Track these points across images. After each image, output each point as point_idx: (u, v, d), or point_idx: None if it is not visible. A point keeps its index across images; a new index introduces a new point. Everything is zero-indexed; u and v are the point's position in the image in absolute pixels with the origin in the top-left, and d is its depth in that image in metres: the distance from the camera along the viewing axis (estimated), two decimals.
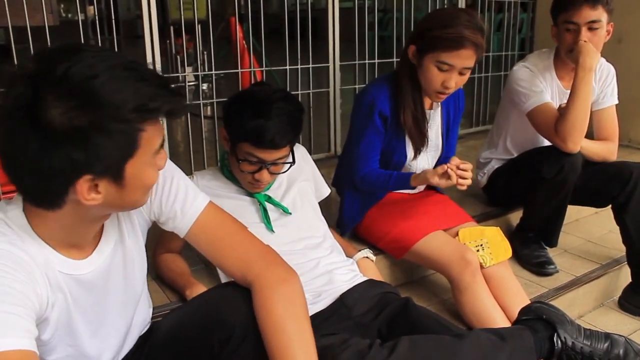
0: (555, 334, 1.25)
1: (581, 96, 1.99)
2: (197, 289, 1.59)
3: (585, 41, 2.01)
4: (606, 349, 1.25)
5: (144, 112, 0.87)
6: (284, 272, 1.14)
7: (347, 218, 2.04)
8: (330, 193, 1.95)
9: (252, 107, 1.52)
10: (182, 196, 1.16)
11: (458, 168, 1.66)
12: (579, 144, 2.01)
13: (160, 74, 0.94)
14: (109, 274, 1.09)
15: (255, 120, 1.50)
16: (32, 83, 0.83)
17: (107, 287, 1.09)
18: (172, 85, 0.94)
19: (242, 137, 1.54)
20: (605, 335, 1.29)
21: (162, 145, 0.96)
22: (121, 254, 1.12)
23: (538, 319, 1.29)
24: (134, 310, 1.19)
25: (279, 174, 1.65)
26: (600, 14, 2.02)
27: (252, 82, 3.12)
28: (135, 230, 1.16)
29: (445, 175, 1.67)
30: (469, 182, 1.68)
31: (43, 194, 0.91)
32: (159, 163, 0.98)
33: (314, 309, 1.46)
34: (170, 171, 1.17)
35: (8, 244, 0.92)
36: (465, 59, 1.70)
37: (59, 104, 0.82)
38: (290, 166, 1.64)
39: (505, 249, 1.87)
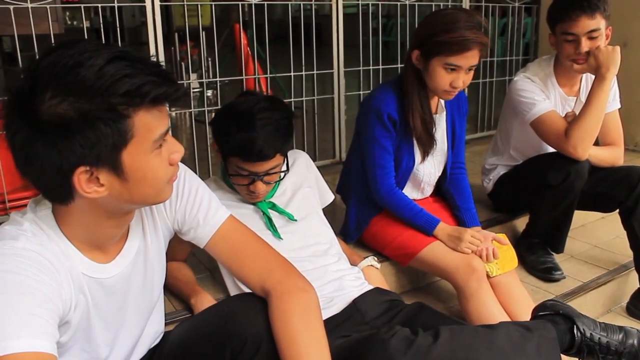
0: (575, 326, 1.30)
1: (598, 104, 1.98)
2: (203, 297, 1.59)
3: (598, 47, 1.99)
4: (621, 339, 1.31)
5: (131, 98, 0.85)
6: (303, 282, 1.16)
7: (353, 225, 2.03)
8: (335, 200, 1.94)
9: (235, 120, 1.50)
10: (205, 207, 1.19)
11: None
12: (588, 151, 2.00)
13: (159, 62, 0.94)
14: (130, 280, 1.10)
15: (240, 133, 1.48)
16: (31, 77, 0.84)
17: (128, 293, 1.10)
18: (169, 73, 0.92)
19: (230, 152, 1.53)
20: (618, 327, 1.35)
21: (164, 135, 0.93)
22: (143, 260, 1.13)
23: (555, 314, 1.34)
24: (147, 319, 1.19)
25: (276, 182, 1.64)
26: (598, 22, 1.99)
27: (257, 88, 3.13)
28: (159, 238, 1.17)
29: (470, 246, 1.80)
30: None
31: (48, 187, 0.91)
32: (168, 156, 0.96)
33: (326, 314, 1.46)
34: (196, 182, 1.21)
35: (38, 245, 0.92)
36: (471, 58, 1.73)
37: (46, 94, 0.82)
38: (285, 174, 1.63)
39: (511, 257, 1.85)
